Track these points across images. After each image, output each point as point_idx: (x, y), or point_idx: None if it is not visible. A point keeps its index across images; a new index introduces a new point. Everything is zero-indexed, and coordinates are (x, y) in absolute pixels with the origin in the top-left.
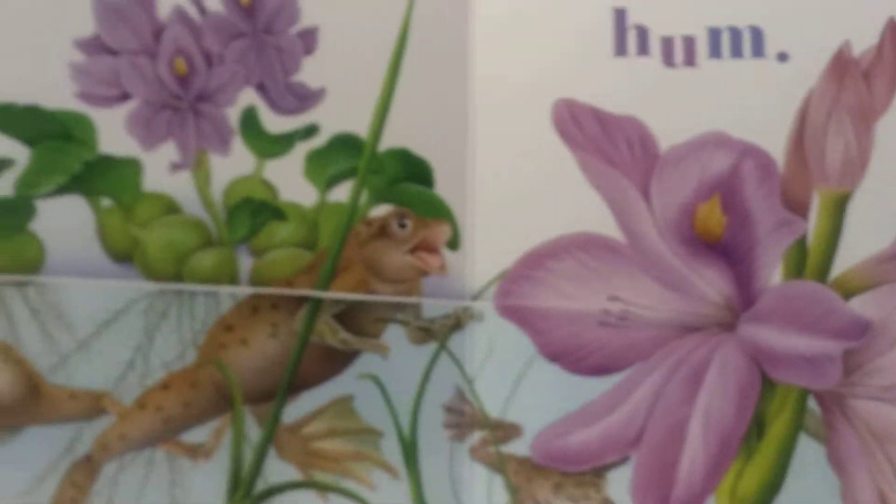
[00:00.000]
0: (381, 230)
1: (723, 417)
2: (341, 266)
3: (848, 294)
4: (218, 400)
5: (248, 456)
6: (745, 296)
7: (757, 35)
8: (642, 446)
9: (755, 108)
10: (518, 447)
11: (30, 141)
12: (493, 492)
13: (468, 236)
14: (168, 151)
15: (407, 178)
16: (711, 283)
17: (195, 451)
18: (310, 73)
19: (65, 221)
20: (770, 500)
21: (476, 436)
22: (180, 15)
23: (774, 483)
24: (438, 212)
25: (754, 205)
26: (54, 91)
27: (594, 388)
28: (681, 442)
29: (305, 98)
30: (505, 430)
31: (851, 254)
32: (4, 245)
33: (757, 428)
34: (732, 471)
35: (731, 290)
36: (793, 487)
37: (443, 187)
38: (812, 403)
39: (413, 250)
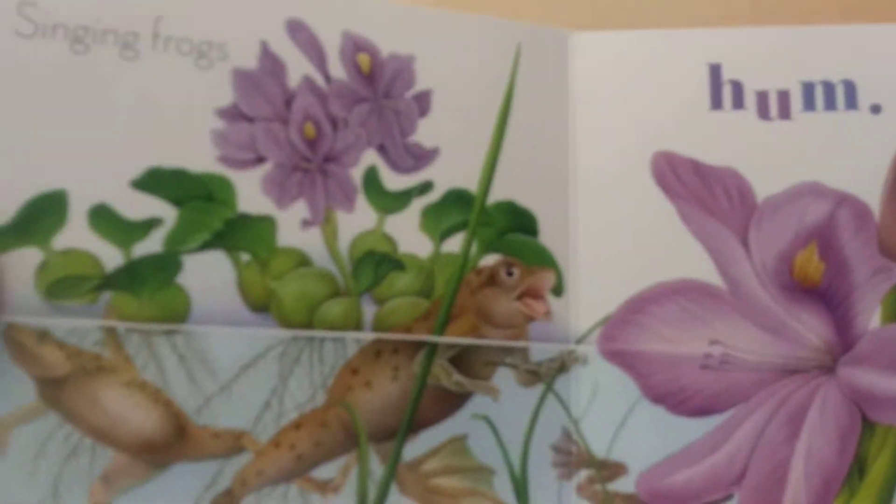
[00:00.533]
0: (491, 278)
1: (824, 457)
2: (454, 313)
3: None
4: (345, 439)
5: (373, 491)
6: (844, 339)
7: (850, 88)
8: (745, 485)
9: (850, 158)
10: (624, 485)
11: (177, 202)
12: None
13: (572, 283)
14: (299, 209)
15: (513, 229)
16: (810, 328)
17: (325, 487)
18: (424, 133)
19: (208, 275)
20: None
21: (583, 474)
22: (308, 84)
23: None
24: (543, 260)
25: (851, 252)
26: (198, 156)
27: (697, 428)
28: (783, 481)
29: (421, 157)
30: (610, 470)
31: None
32: (155, 297)
33: (858, 468)
34: None
35: (830, 333)
36: None
37: (547, 237)
38: None
39: (520, 297)
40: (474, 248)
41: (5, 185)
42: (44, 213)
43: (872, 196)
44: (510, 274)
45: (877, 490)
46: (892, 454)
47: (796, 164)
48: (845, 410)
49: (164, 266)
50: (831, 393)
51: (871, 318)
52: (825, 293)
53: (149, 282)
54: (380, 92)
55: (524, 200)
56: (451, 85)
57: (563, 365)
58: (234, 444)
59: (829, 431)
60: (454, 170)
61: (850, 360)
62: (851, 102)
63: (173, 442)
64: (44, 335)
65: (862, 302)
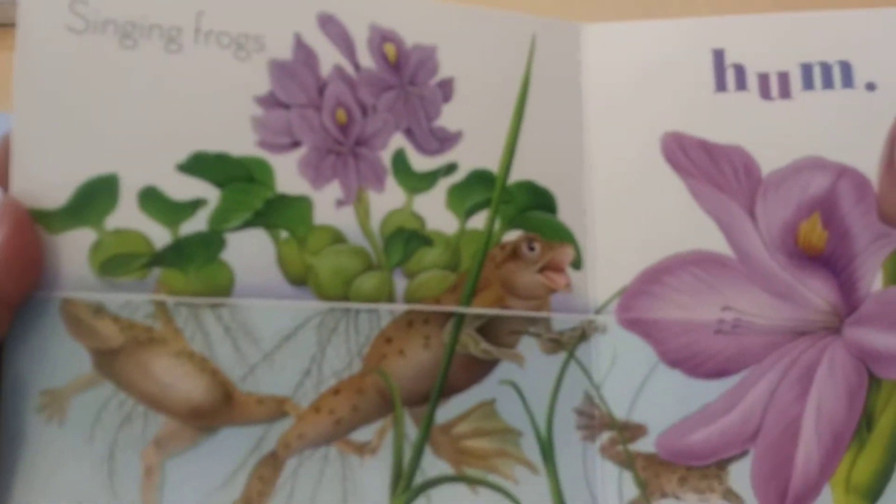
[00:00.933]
0: (514, 253)
1: (834, 413)
2: (480, 285)
3: None
4: (381, 403)
5: (408, 453)
6: (849, 302)
7: (846, 68)
8: (760, 441)
9: (848, 133)
10: (644, 445)
11: (219, 183)
12: (623, 486)
13: (590, 257)
14: (333, 190)
15: (534, 206)
16: (816, 292)
17: (362, 449)
18: (448, 118)
19: (250, 251)
20: (883, 486)
21: (605, 436)
22: (339, 72)
23: (886, 471)
24: (562, 236)
25: (852, 220)
26: (238, 140)
27: (712, 390)
28: (796, 436)
29: (445, 140)
30: (631, 431)
31: None
32: (200, 272)
33: (866, 421)
34: (845, 461)
35: (836, 297)
36: None
37: (565, 214)
38: None
39: (542, 270)
40: (497, 225)
41: (61, 170)
42: (97, 196)
43: (870, 168)
44: (532, 249)
45: (885, 442)
46: None
47: (798, 140)
48: (852, 368)
49: (209, 243)
50: (838, 352)
51: (874, 281)
52: (829, 259)
53: (195, 258)
54: (405, 79)
55: (543, 180)
56: (472, 73)
57: (583, 333)
58: (276, 409)
59: (838, 388)
60: (477, 152)
61: (855, 320)
62: (848, 81)
63: (220, 408)
64: (98, 309)
65: (864, 266)
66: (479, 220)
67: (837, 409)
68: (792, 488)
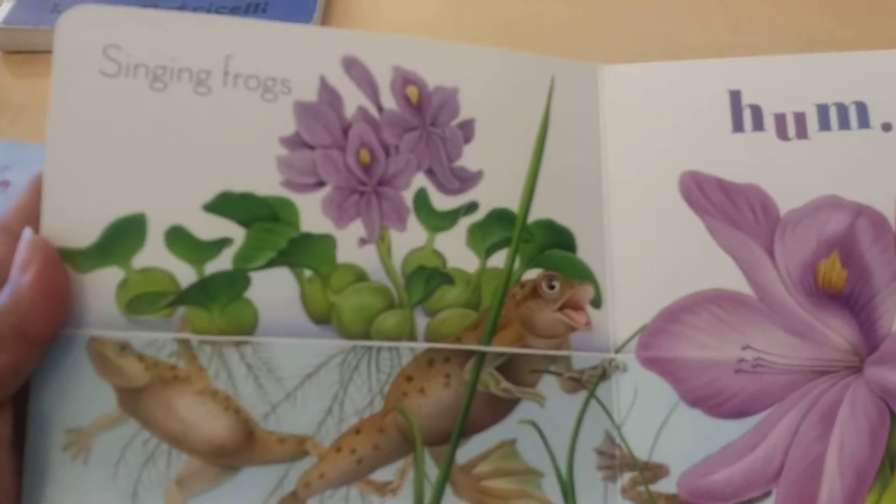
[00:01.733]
0: (534, 291)
1: (857, 452)
2: (501, 324)
3: None
4: (401, 443)
5: (428, 493)
6: (870, 340)
7: (861, 109)
8: (782, 481)
9: (864, 173)
10: (666, 486)
11: (244, 223)
12: None
13: (609, 295)
14: (356, 229)
15: (553, 245)
16: (837, 331)
17: (383, 489)
18: (469, 158)
19: (274, 290)
20: None
21: (626, 476)
22: (363, 113)
23: None
24: (582, 274)
25: (871, 258)
26: (264, 180)
27: (734, 429)
28: (819, 476)
29: (466, 180)
30: (652, 471)
31: None
32: (225, 311)
33: (889, 461)
34: (869, 501)
35: (856, 336)
36: None
37: (585, 252)
38: None
39: (561, 308)
40: (517, 263)
41: (90, 209)
42: (125, 236)
43: (888, 206)
44: (552, 287)
45: None
46: None
47: (815, 179)
48: (874, 407)
49: (234, 282)
50: (860, 391)
51: (894, 320)
52: (849, 298)
53: (220, 297)
54: (427, 121)
55: (562, 219)
56: (493, 114)
57: (604, 372)
58: (298, 448)
59: (861, 428)
60: (497, 191)
61: (876, 359)
62: (864, 122)
63: (243, 446)
64: (124, 347)
65: (884, 305)
66: (499, 259)
67: (860, 448)
68: None
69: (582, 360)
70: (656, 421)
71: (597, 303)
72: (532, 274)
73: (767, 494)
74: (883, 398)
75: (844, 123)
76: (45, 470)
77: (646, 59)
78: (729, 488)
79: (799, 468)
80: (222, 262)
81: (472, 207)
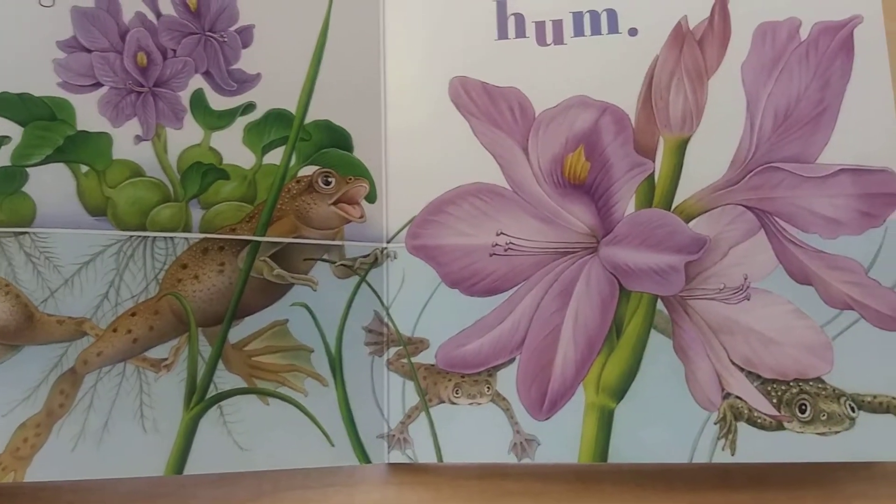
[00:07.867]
0: (309, 186)
1: (589, 322)
2: (276, 216)
3: (688, 218)
4: (176, 324)
5: (202, 369)
6: (606, 224)
7: (612, 16)
8: (525, 349)
9: (612, 74)
10: (425, 357)
11: (22, 122)
12: (406, 395)
13: (383, 191)
14: (133, 127)
15: (330, 144)
16: (579, 216)
17: (159, 365)
18: (248, 62)
19: (51, 184)
20: (627, 385)
21: (392, 350)
22: (141, 19)
23: (631, 371)
24: (358, 171)
25: (612, 152)
26: (41, 81)
27: (486, 306)
28: (556, 343)
29: (244, 82)
30: (415, 345)
31: (690, 186)
32: (3, 204)
33: (616, 329)
34: (597, 364)
35: (594, 220)
36: (646, 374)
37: (361, 151)
38: (660, 306)
39: (336, 203)
40: (293, 161)
41: None
42: None
43: (630, 105)
44: (328, 182)
45: (631, 345)
46: (643, 315)
47: (568, 81)
48: (606, 282)
49: (12, 177)
50: (595, 268)
51: (628, 206)
52: (590, 187)
53: None
54: (206, 26)
55: (340, 120)
56: (272, 20)
57: (375, 260)
58: (76, 329)
59: (593, 300)
60: (275, 93)
61: (610, 240)
62: (613, 27)
63: (23, 328)
64: None
65: (619, 192)
66: (276, 157)
67: (592, 318)
68: (550, 389)
69: (355, 249)
70: (420, 301)
71: (371, 197)
72: (309, 171)
73: (512, 361)
74: (614, 273)
75: (596, 29)
76: None
77: None
78: (479, 356)
79: (539, 337)
80: (0, 159)
81: (249, 108)
